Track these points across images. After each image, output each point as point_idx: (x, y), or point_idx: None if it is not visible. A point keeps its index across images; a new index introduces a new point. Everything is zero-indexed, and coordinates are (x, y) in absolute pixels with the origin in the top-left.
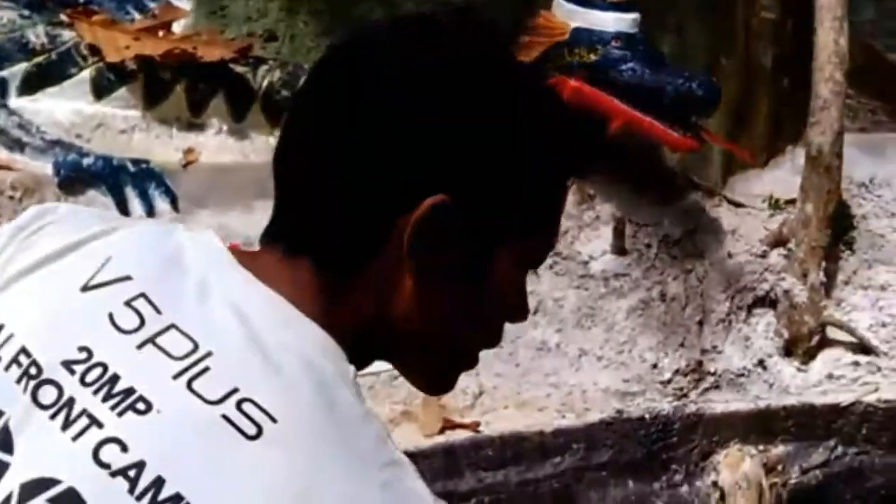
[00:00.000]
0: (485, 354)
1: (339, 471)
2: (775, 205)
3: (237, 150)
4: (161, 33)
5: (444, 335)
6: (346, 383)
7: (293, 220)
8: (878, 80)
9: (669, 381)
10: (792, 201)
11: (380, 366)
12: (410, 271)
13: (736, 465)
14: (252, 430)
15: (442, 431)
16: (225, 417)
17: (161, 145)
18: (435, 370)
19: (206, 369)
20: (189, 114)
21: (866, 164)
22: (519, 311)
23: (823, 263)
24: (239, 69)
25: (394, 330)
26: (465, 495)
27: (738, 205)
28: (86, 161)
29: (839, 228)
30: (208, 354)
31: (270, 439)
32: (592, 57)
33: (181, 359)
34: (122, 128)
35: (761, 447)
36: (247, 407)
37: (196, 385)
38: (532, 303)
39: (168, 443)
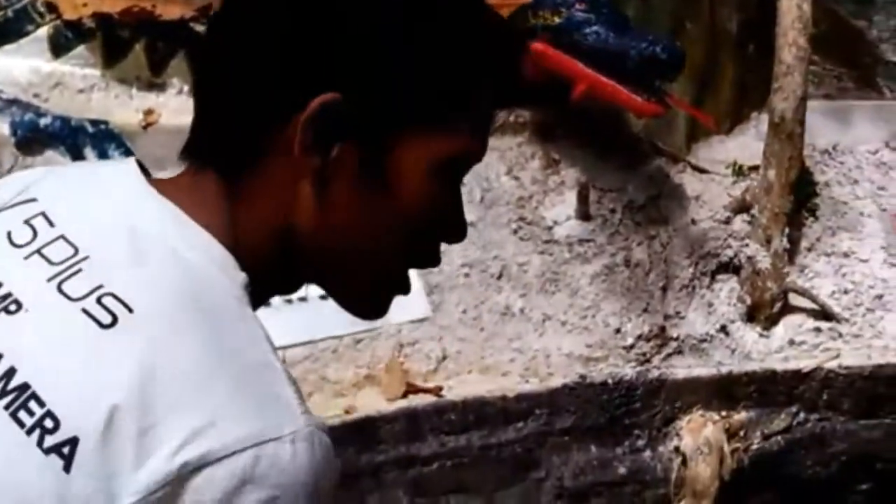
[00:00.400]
0: (448, 319)
1: (192, 360)
2: (739, 171)
3: None
4: None
5: (357, 250)
6: (226, 284)
7: (197, 132)
8: (844, 47)
9: (632, 347)
10: (756, 168)
11: (343, 329)
12: (307, 176)
13: (698, 431)
14: (107, 320)
15: (405, 395)
16: (84, 311)
17: (120, 105)
18: (358, 291)
19: (78, 271)
20: (149, 73)
21: (830, 130)
22: (451, 228)
23: (786, 230)
24: (200, 28)
25: (304, 243)
26: (427, 459)
27: (702, 171)
28: (43, 121)
29: (802, 195)
30: (85, 258)
31: (124, 327)
32: (556, 19)
33: (59, 264)
34: (81, 87)
35: (723, 413)
36: (107, 300)
37: (65, 285)
38: (496, 267)
39: (27, 338)
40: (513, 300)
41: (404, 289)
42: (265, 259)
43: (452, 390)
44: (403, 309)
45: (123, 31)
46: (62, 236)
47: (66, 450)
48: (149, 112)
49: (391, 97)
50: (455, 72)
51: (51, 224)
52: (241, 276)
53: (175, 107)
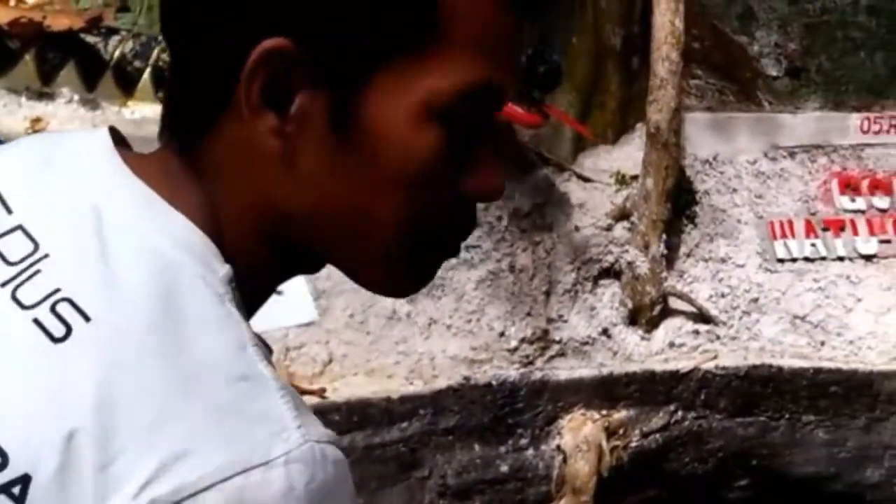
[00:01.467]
0: (335, 323)
1: (159, 377)
2: (622, 180)
3: (88, 119)
4: (12, 1)
5: (350, 222)
6: (205, 281)
7: (165, 107)
8: (726, 61)
9: (516, 349)
10: (636, 177)
11: None
12: (267, 139)
13: (578, 429)
14: (60, 332)
15: None
16: (36, 321)
17: (8, 114)
18: (375, 268)
19: (36, 272)
20: (39, 83)
21: (711, 141)
22: (481, 182)
23: (664, 236)
24: (90, 39)
25: (289, 220)
26: None
27: (586, 179)
28: None
29: (681, 203)
30: (44, 257)
31: (79, 340)
32: None
33: (16, 264)
34: None
35: (604, 412)
36: (62, 307)
37: (19, 291)
38: None
39: None
40: (399, 305)
41: (449, 252)
42: (250, 242)
43: (337, 392)
44: (290, 313)
45: (13, 41)
46: (20, 226)
47: (16, 490)
48: (36, 120)
49: (348, 29)
50: None
51: (8, 210)
52: (225, 270)
53: (65, 116)
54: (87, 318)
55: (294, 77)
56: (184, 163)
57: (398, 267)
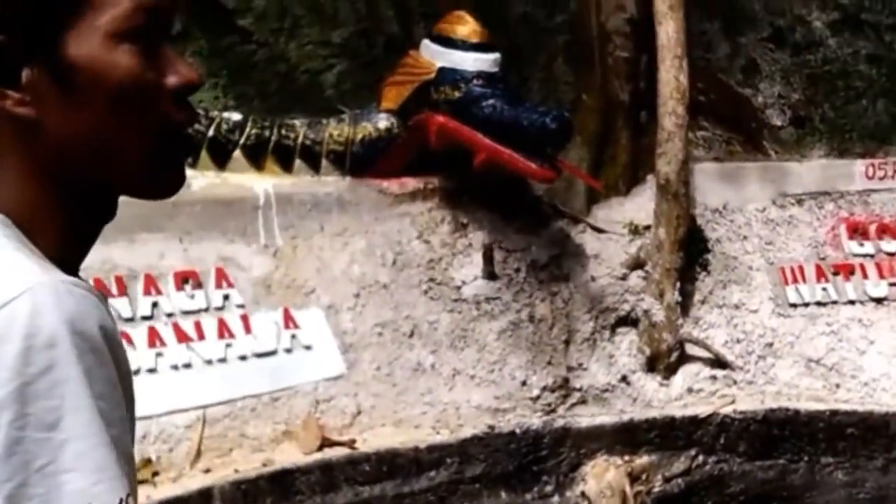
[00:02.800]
0: (363, 376)
1: None
2: (635, 230)
3: None
4: None
5: (96, 138)
6: None
7: None
8: (732, 113)
9: (538, 398)
10: (650, 227)
11: (262, 388)
12: (15, 106)
13: (601, 475)
14: None
15: (320, 449)
16: None
17: None
18: (132, 172)
19: None
20: None
21: (720, 190)
22: (177, 76)
23: (678, 284)
24: None
25: (62, 161)
26: None
27: (600, 231)
28: None
29: (694, 251)
30: None
31: None
32: (456, 94)
33: None
34: None
35: (626, 457)
36: None
37: None
38: (408, 326)
39: None
40: (424, 356)
41: (169, 163)
42: (37, 198)
43: (367, 443)
44: (319, 367)
45: None
46: None
47: None
48: None
49: (26, 11)
50: None
51: None
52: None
53: None
54: None
55: (12, 59)
56: None
57: (150, 169)
